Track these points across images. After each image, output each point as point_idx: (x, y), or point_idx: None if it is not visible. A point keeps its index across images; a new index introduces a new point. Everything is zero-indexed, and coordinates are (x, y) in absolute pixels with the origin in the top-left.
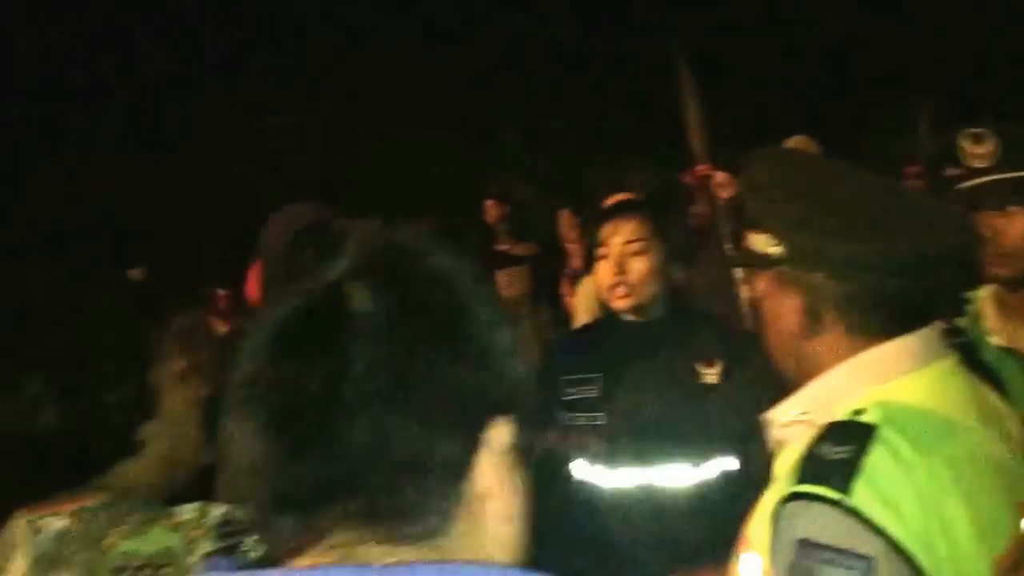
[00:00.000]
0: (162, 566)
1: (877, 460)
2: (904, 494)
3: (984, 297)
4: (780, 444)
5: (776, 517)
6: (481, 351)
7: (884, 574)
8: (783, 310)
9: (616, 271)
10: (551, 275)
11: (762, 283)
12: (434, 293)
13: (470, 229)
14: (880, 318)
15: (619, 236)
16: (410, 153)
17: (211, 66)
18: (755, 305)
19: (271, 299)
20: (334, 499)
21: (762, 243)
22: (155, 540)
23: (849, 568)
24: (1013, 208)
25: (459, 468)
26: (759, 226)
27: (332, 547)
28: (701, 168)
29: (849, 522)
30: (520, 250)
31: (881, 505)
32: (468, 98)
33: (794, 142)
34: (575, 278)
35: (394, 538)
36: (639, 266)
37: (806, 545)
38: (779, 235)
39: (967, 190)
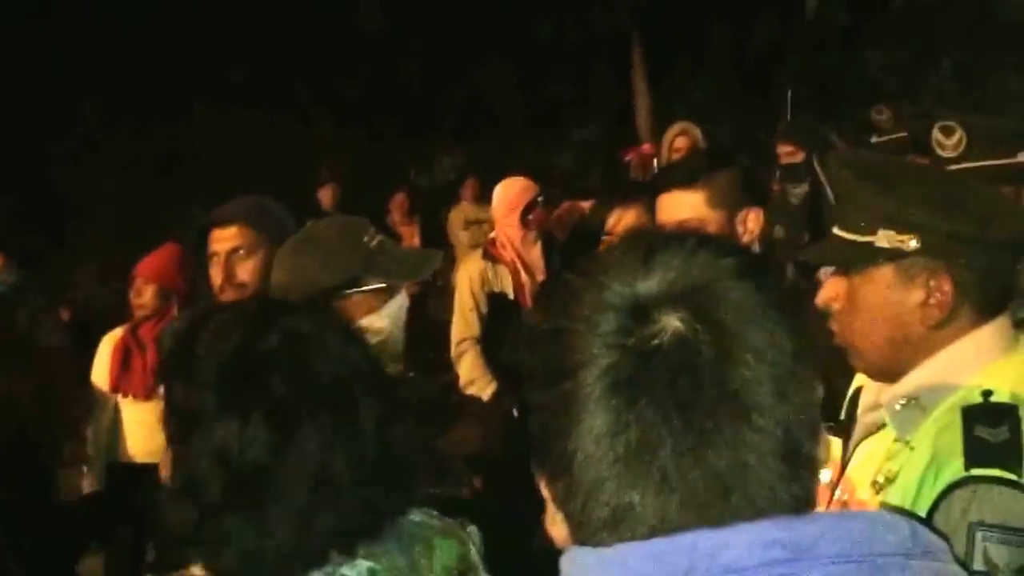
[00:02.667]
0: (467, 570)
1: None
2: None
3: None
4: (875, 428)
5: (938, 503)
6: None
7: None
8: (907, 304)
9: None
10: None
11: (878, 280)
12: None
13: (305, 212)
14: (992, 299)
15: (624, 224)
16: (225, 130)
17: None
18: (846, 302)
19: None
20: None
21: (890, 238)
22: (447, 551)
23: None
24: None
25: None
26: (887, 222)
27: None
28: (646, 147)
29: None
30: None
31: None
32: (279, 77)
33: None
34: None
35: None
36: None
37: (982, 527)
38: (913, 227)
39: None
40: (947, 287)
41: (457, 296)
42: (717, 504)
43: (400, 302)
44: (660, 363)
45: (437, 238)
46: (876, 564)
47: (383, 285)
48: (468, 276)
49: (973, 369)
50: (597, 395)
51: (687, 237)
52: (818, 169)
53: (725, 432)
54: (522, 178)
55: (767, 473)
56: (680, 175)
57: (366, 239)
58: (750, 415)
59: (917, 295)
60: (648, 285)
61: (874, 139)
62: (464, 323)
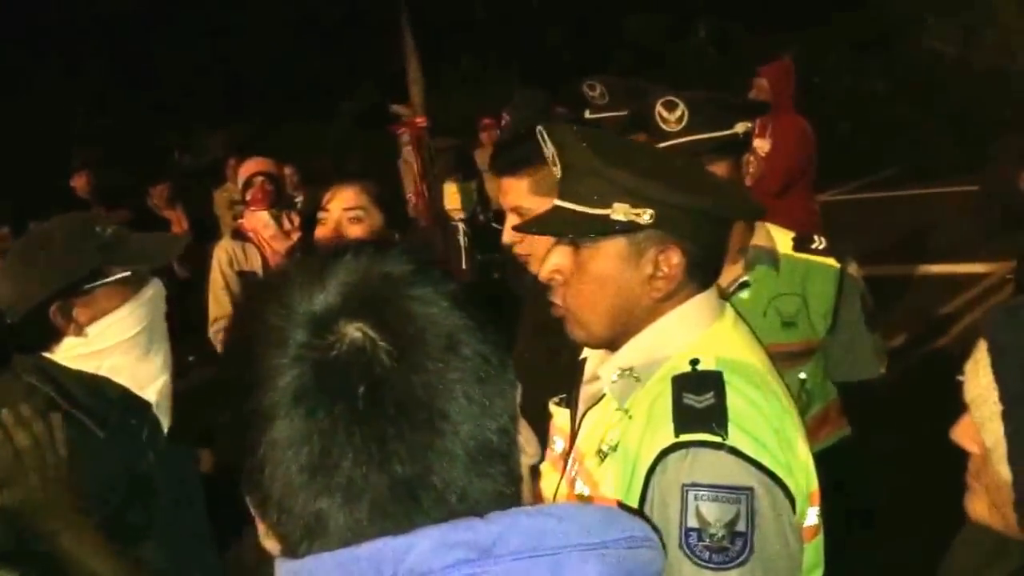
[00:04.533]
0: None
1: (735, 402)
2: (763, 427)
3: None
4: (595, 399)
5: (653, 468)
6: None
7: (762, 498)
8: (635, 276)
9: (334, 238)
10: None
11: (609, 251)
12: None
13: (60, 201)
14: (710, 272)
15: (337, 202)
16: None
17: None
18: (573, 272)
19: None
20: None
21: (626, 211)
22: None
23: (736, 501)
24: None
25: None
26: (623, 195)
27: None
28: (420, 120)
29: (731, 460)
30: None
31: (752, 441)
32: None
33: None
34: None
35: None
36: (357, 233)
37: (694, 487)
38: (649, 200)
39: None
40: (676, 260)
41: (211, 278)
42: (406, 511)
43: (154, 290)
44: (338, 373)
45: (207, 221)
46: (555, 558)
47: (128, 274)
48: (218, 257)
49: (683, 339)
50: (281, 408)
51: (363, 249)
52: (542, 141)
53: (408, 439)
54: (257, 159)
55: (456, 476)
56: (503, 162)
57: (99, 229)
58: (434, 421)
59: (646, 268)
60: (326, 298)
61: (587, 114)
62: (217, 303)
